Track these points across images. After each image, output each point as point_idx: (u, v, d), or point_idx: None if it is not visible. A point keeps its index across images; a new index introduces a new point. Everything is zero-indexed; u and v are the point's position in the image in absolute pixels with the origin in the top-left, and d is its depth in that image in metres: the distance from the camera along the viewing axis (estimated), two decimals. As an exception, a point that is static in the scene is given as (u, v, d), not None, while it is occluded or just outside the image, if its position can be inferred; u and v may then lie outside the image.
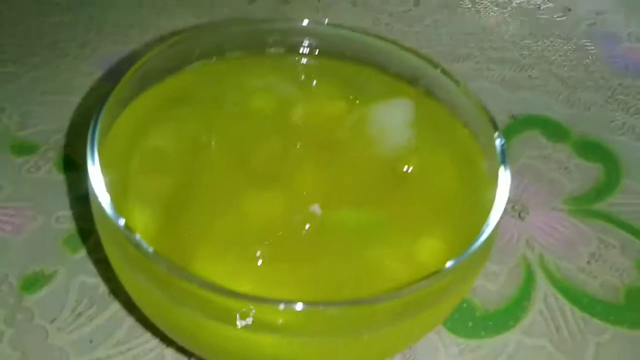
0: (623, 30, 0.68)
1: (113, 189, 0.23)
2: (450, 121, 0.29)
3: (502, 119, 0.56)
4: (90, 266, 0.41)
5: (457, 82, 0.29)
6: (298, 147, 0.28)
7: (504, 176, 0.25)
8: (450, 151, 0.29)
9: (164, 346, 0.38)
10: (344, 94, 0.31)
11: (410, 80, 0.31)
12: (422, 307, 0.21)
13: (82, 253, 0.42)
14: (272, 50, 0.32)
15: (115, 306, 0.39)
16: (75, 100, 0.52)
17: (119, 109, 0.26)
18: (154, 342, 0.38)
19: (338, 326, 0.20)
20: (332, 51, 0.32)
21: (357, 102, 0.30)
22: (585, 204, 0.49)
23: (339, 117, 0.30)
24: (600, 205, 0.49)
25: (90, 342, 0.38)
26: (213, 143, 0.28)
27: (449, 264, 0.21)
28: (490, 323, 0.41)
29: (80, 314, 0.39)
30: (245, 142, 0.28)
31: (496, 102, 0.57)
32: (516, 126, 0.55)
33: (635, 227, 0.48)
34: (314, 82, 0.31)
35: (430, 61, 0.30)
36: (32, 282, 0.40)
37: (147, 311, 0.26)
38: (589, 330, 0.41)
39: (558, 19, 0.68)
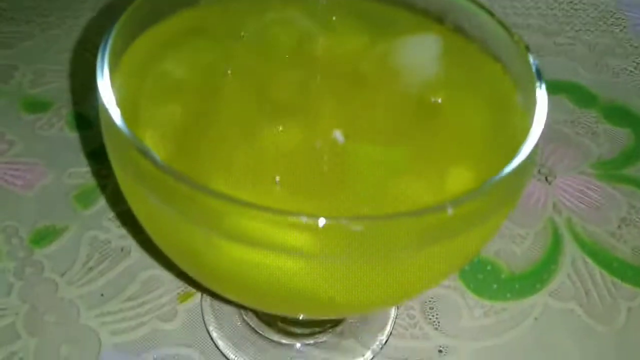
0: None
1: (123, 110, 0.21)
2: (480, 56, 0.28)
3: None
4: (103, 222, 0.40)
5: (489, 13, 0.27)
6: (319, 79, 0.27)
7: (541, 96, 0.23)
8: (481, 85, 0.27)
9: (177, 302, 0.36)
10: (368, 30, 0.29)
11: (437, 18, 0.30)
12: (450, 232, 0.20)
13: (95, 208, 0.41)
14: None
15: (129, 261, 0.38)
16: (88, 58, 0.51)
17: (133, 33, 0.25)
18: (168, 297, 0.37)
19: (361, 247, 0.19)
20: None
21: (382, 37, 0.28)
22: (614, 168, 0.47)
23: (362, 51, 0.28)
24: (630, 170, 0.47)
25: (102, 295, 0.36)
26: (229, 73, 0.26)
27: (485, 183, 0.20)
28: (516, 285, 0.39)
29: (91, 268, 0.38)
30: (263, 73, 0.26)
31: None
32: (542, 91, 0.53)
33: (667, 192, 0.46)
34: (336, 17, 0.30)
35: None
36: (43, 237, 0.39)
37: (155, 234, 0.24)
38: (620, 295, 0.39)
39: (585, -14, 0.66)
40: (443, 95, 0.26)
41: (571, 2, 0.64)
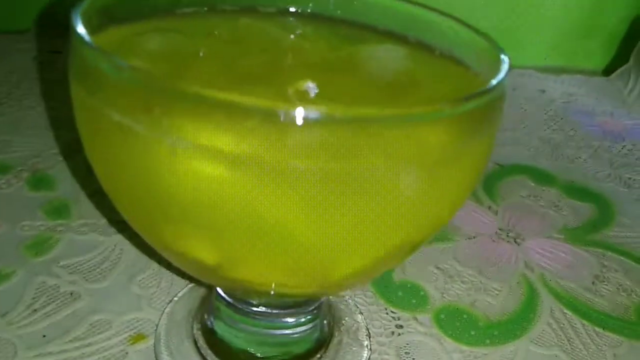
0: (596, 108, 0.70)
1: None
2: (444, 62, 0.29)
3: (488, 166, 0.55)
4: (54, 268, 0.37)
5: (456, 20, 0.29)
6: (288, 62, 0.27)
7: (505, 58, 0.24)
8: (445, 85, 0.28)
9: (127, 344, 0.33)
10: (337, 39, 0.30)
11: (400, 37, 0.31)
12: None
13: (47, 257, 0.38)
14: (264, 9, 0.32)
15: (77, 304, 0.35)
16: (50, 133, 0.51)
17: (104, 24, 0.26)
18: (118, 338, 0.33)
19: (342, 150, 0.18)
20: (322, 13, 0.32)
21: (349, 44, 0.29)
22: (582, 234, 0.47)
23: (330, 50, 0.29)
24: (598, 236, 0.47)
25: (44, 336, 0.33)
26: (201, 54, 0.26)
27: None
28: (495, 332, 0.37)
29: (35, 310, 0.34)
30: (234, 56, 0.27)
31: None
32: (503, 172, 0.55)
33: (636, 255, 0.46)
34: (304, 30, 0.31)
35: (423, 6, 0.30)
36: (-14, 280, 0.36)
37: (106, 162, 0.22)
38: (604, 342, 0.37)
39: (533, 97, 0.71)
40: (411, 88, 0.27)
41: (522, 107, 0.68)
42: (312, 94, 0.23)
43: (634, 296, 0.41)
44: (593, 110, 0.70)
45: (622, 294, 0.42)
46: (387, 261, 0.25)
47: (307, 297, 0.30)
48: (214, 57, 0.26)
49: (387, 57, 0.29)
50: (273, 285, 0.23)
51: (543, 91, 0.73)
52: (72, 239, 0.40)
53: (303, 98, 0.23)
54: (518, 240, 0.45)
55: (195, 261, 0.23)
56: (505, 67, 0.23)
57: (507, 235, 0.46)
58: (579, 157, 0.59)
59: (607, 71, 0.82)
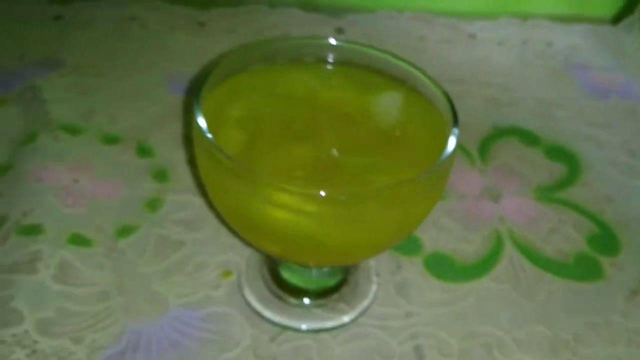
0: (594, 61, 0.81)
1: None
2: (428, 106, 0.43)
3: (485, 129, 0.69)
4: (164, 223, 0.55)
5: (431, 80, 0.42)
6: (323, 117, 0.42)
7: (454, 134, 0.38)
8: (428, 126, 0.42)
9: (220, 278, 0.51)
10: (355, 88, 0.45)
11: (401, 81, 0.45)
12: (400, 202, 0.35)
13: (159, 213, 0.56)
14: (307, 59, 0.46)
15: (184, 251, 0.53)
16: (147, 105, 0.67)
17: (208, 91, 0.41)
18: (214, 274, 0.51)
19: (346, 212, 0.34)
20: (348, 61, 0.46)
21: (363, 93, 0.44)
22: (549, 192, 0.62)
23: (351, 101, 0.44)
24: (561, 194, 0.62)
25: (167, 272, 0.51)
26: (268, 115, 0.42)
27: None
28: (466, 273, 0.54)
29: (158, 253, 0.52)
30: (288, 114, 0.42)
31: (482, 117, 0.70)
32: (497, 134, 0.69)
33: (587, 210, 0.60)
34: (334, 80, 0.45)
35: (414, 66, 0.44)
36: (123, 231, 0.54)
37: (223, 206, 0.39)
38: (543, 281, 0.53)
39: (541, 51, 0.82)
40: (402, 130, 0.42)
41: (527, 65, 0.80)
42: (336, 155, 0.39)
43: (576, 245, 0.57)
44: (590, 64, 0.81)
45: (567, 243, 0.57)
46: (384, 249, 0.41)
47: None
48: (275, 117, 0.42)
49: (389, 104, 0.44)
50: (313, 263, 0.41)
51: (550, 44, 0.84)
52: (173, 199, 0.57)
53: (332, 161, 0.38)
54: (497, 199, 0.61)
55: (267, 250, 0.40)
56: (450, 147, 0.38)
57: (489, 194, 0.61)
58: (565, 118, 0.72)
59: (618, 19, 0.90)
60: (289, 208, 0.34)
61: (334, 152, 0.39)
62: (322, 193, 0.33)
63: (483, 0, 0.88)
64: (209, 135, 0.36)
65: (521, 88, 0.76)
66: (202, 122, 0.37)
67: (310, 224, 0.35)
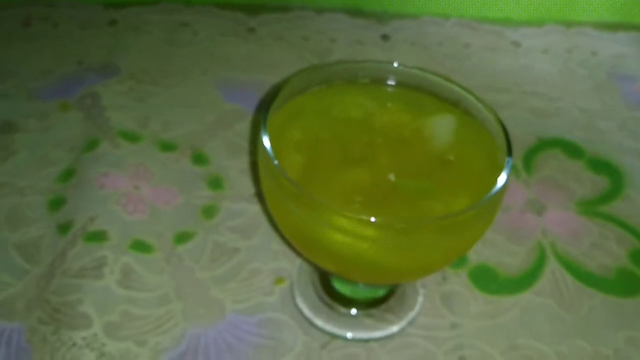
0: (638, 71, 0.81)
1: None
2: (481, 130, 0.45)
3: (530, 140, 0.70)
4: (220, 230, 0.58)
5: (485, 105, 0.44)
6: (379, 141, 0.44)
7: (508, 164, 0.40)
8: (481, 149, 0.44)
9: (273, 284, 0.54)
10: (410, 110, 0.47)
11: (454, 103, 0.47)
12: (451, 231, 0.37)
13: (214, 220, 0.59)
14: (362, 80, 0.48)
15: (239, 257, 0.56)
16: (200, 112, 0.70)
17: (273, 113, 0.43)
18: (267, 281, 0.54)
19: (402, 238, 0.36)
20: (403, 83, 0.48)
21: (418, 115, 0.46)
22: (592, 206, 0.63)
23: (406, 124, 0.45)
24: (604, 208, 0.63)
25: (223, 278, 0.54)
26: (325, 138, 0.44)
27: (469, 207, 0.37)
28: (510, 285, 0.55)
29: (215, 259, 0.55)
30: (344, 137, 0.44)
31: (526, 127, 0.71)
32: (541, 145, 0.70)
33: (630, 225, 0.61)
34: (390, 102, 0.47)
35: (468, 91, 0.45)
36: (182, 238, 0.57)
37: (284, 225, 0.42)
38: (585, 295, 0.55)
39: (585, 60, 0.82)
40: (455, 154, 0.44)
41: (571, 75, 0.80)
42: (392, 179, 0.41)
43: (618, 261, 0.58)
44: (636, 74, 0.81)
45: (609, 258, 0.58)
46: (434, 271, 0.43)
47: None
48: (333, 141, 0.44)
49: (443, 126, 0.45)
50: (363, 282, 0.43)
51: (594, 53, 0.84)
52: (228, 207, 0.60)
53: (388, 185, 0.40)
54: (540, 212, 0.62)
55: (324, 267, 0.43)
56: (503, 178, 0.39)
57: (533, 207, 0.62)
58: (609, 130, 0.72)
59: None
60: (347, 232, 0.36)
61: (390, 176, 0.41)
62: (380, 220, 0.35)
63: (528, 7, 0.89)
64: (276, 162, 0.38)
65: (565, 98, 0.76)
66: (268, 145, 0.39)
67: (366, 248, 0.37)
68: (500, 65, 0.81)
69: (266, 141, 0.40)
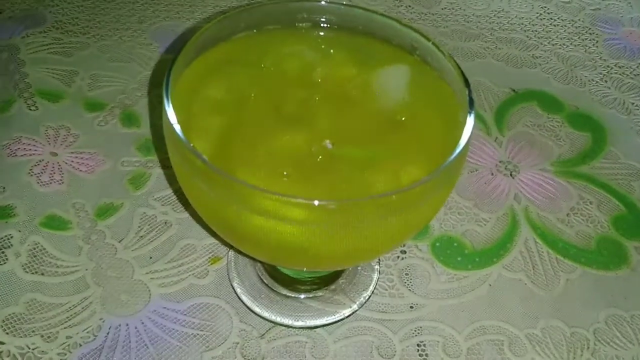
0: (625, 14, 0.74)
1: (180, 125, 0.31)
2: (438, 82, 0.37)
3: (504, 92, 0.63)
4: (150, 201, 0.50)
5: (444, 53, 0.37)
6: (317, 99, 0.36)
7: (469, 122, 0.33)
8: (437, 105, 0.37)
9: (208, 265, 0.47)
10: (356, 61, 0.39)
11: (408, 51, 0.39)
12: (399, 209, 0.30)
13: (143, 190, 0.51)
14: (300, 25, 0.40)
15: (170, 232, 0.49)
16: (135, 66, 0.62)
17: (183, 67, 0.35)
18: (200, 260, 0.47)
19: (339, 219, 0.29)
20: (347, 26, 0.40)
21: (366, 67, 0.38)
22: (571, 165, 0.57)
23: (350, 78, 0.38)
24: (584, 168, 0.56)
25: (150, 257, 0.47)
26: (253, 94, 0.36)
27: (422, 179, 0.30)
28: (476, 259, 0.49)
29: (142, 236, 0.48)
30: (277, 94, 0.36)
31: (500, 78, 0.64)
32: (516, 99, 0.63)
33: (613, 187, 0.55)
34: (332, 50, 0.40)
35: (424, 35, 0.38)
36: (104, 211, 0.49)
37: (200, 209, 0.34)
38: (561, 269, 0.49)
39: (565, 3, 0.75)
40: (407, 113, 0.36)
41: (551, 18, 0.73)
42: (329, 147, 0.33)
43: (599, 227, 0.52)
44: (621, 19, 0.74)
45: (589, 225, 0.52)
46: (384, 253, 0.36)
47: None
48: (263, 99, 0.36)
49: (394, 79, 0.38)
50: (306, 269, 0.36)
51: (577, -5, 0.76)
52: (160, 175, 0.53)
53: (325, 154, 0.33)
54: (513, 174, 0.55)
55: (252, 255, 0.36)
56: (463, 140, 0.32)
57: (505, 168, 0.56)
58: (591, 80, 0.65)
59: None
60: (269, 215, 0.29)
61: (328, 143, 0.34)
62: (315, 202, 0.28)
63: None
64: (178, 130, 0.30)
65: (543, 45, 0.69)
66: (172, 115, 0.32)
67: (295, 233, 0.30)
68: (472, 9, 0.73)
69: (168, 104, 0.32)
